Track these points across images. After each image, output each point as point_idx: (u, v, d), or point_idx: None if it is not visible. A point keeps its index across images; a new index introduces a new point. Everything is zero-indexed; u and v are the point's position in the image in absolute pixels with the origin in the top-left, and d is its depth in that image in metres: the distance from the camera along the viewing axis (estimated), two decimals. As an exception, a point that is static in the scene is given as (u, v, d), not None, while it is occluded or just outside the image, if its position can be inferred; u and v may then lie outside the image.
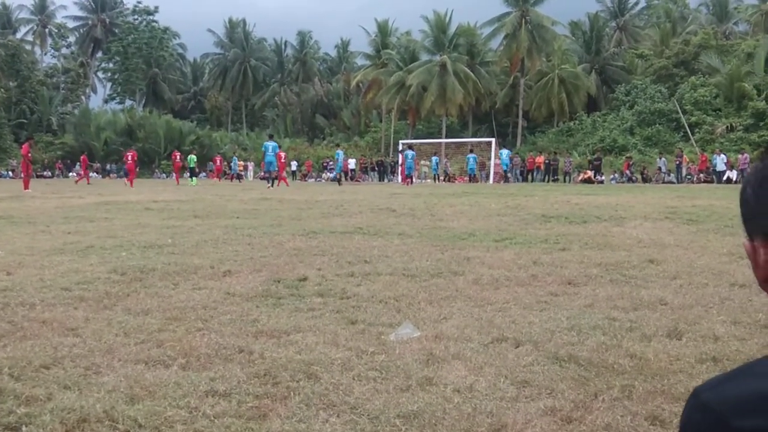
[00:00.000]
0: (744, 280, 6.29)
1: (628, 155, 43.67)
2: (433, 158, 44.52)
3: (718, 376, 0.95)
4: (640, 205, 15.01)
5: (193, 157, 39.28)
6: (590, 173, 39.73)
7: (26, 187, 25.42)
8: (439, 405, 3.20)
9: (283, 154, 34.46)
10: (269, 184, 29.66)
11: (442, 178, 43.99)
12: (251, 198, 19.56)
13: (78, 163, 50.53)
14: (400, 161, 42.94)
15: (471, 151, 43.01)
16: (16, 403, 3.15)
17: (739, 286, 6.05)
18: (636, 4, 66.29)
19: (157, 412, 3.04)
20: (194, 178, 37.03)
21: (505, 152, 40.25)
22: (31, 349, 3.99)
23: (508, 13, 56.29)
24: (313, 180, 49.36)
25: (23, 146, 28.71)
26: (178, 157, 41.73)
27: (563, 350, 4.05)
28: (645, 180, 39.40)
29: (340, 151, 38.10)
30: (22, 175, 27.98)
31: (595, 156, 42.22)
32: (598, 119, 53.66)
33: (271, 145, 30.72)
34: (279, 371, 3.65)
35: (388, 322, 4.79)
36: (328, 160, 53.42)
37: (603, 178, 40.33)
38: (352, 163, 51.51)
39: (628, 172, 40.69)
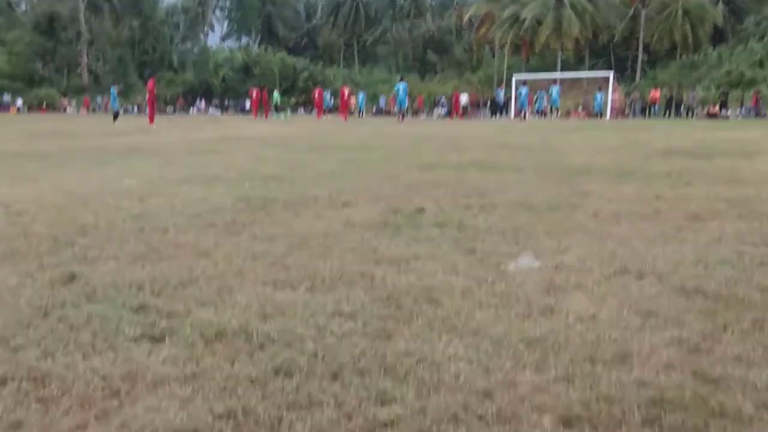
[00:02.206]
0: None
1: (757, 89, 41.26)
2: (554, 88, 42.61)
3: None
4: (771, 140, 14.25)
5: (276, 95, 40.05)
6: (716, 108, 37.87)
7: (151, 121, 26.52)
8: (561, 332, 3.20)
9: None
10: (399, 120, 32.88)
11: (556, 113, 42.65)
12: (366, 132, 19.74)
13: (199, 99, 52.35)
14: (513, 97, 42.23)
15: (599, 89, 41.75)
16: (158, 317, 3.36)
17: None
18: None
19: (288, 328, 3.18)
20: (283, 113, 37.66)
21: (401, 86, 33.96)
22: (168, 269, 4.23)
23: (629, -60, 53.63)
24: (424, 116, 49.16)
25: (149, 82, 29.84)
26: (254, 93, 42.73)
27: (689, 283, 3.95)
28: (775, 115, 37.26)
29: (400, 84, 34.61)
30: (148, 110, 29.13)
31: (722, 90, 40.13)
32: (725, 52, 50.81)
33: (402, 85, 33.87)
34: (401, 296, 3.73)
35: (506, 252, 4.79)
36: (440, 96, 53.05)
37: (729, 113, 38.38)
38: (464, 98, 50.94)
39: (756, 106, 38.51)
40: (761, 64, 46.93)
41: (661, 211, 6.36)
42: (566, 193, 7.47)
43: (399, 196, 7.29)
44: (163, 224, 5.64)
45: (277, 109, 39.02)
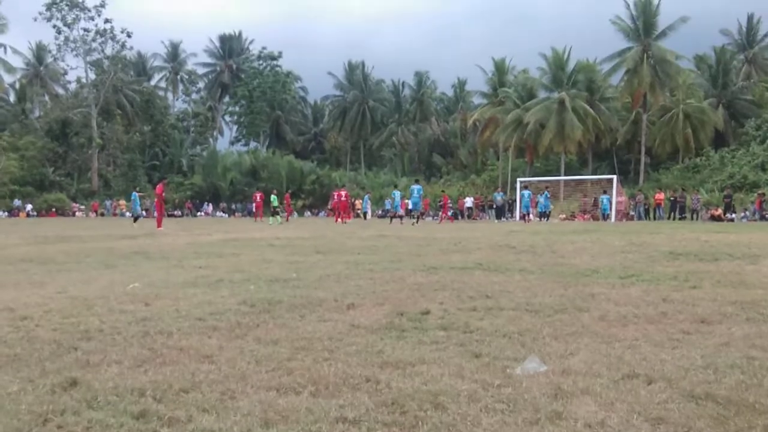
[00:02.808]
0: None
1: (760, 192, 41.60)
2: (540, 196, 43.12)
3: None
4: (776, 242, 14.26)
5: (275, 197, 40.70)
6: (720, 210, 38.09)
7: (159, 225, 26.76)
8: (570, 439, 3.14)
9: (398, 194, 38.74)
10: (414, 221, 34.77)
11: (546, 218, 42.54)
12: (370, 235, 19.84)
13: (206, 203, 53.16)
14: (517, 199, 42.66)
15: (605, 192, 42.25)
16: (159, 424, 3.31)
17: None
18: (766, 36, 63.70)
19: (291, 435, 3.13)
20: (277, 217, 38.06)
21: (416, 188, 35.84)
22: (170, 374, 4.19)
23: (629, 48, 55.20)
24: (430, 218, 49.52)
25: (158, 186, 30.31)
26: (257, 197, 44.70)
27: (699, 388, 3.89)
28: (780, 218, 37.40)
29: (414, 186, 36.55)
30: (156, 214, 29.41)
31: (725, 193, 40.48)
32: (727, 155, 51.51)
33: (416, 188, 35.77)
34: (406, 401, 3.68)
35: (512, 356, 4.74)
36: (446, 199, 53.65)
37: (734, 215, 38.57)
38: (468, 201, 51.49)
39: (760, 209, 38.72)
40: (763, 167, 47.46)
41: (667, 314, 6.32)
42: (572, 296, 7.44)
43: (404, 299, 7.28)
44: (167, 328, 5.62)
45: (274, 213, 39.51)
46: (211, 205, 66.83)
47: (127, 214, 55.25)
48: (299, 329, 5.64)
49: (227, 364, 4.47)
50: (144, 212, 57.44)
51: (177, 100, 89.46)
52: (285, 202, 44.81)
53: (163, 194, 30.39)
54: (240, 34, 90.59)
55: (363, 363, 4.54)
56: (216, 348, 4.94)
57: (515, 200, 45.56)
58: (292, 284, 8.48)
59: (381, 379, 4.11)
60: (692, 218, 39.98)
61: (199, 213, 65.34)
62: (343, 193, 41.73)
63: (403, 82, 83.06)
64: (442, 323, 5.90)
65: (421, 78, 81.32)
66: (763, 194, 40.40)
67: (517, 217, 42.95)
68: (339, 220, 38.49)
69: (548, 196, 43.50)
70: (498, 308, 6.63)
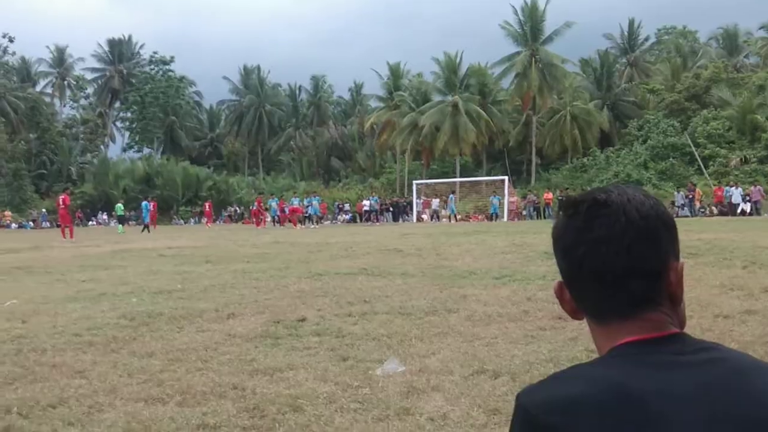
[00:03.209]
0: (729, 311, 6.50)
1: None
2: (451, 196, 45.10)
3: (536, 382, 1.21)
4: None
5: (120, 206, 40.30)
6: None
7: (72, 236, 25.87)
8: (411, 432, 3.46)
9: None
10: (314, 226, 37.63)
11: (458, 217, 44.16)
12: (265, 242, 19.91)
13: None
14: (414, 202, 43.82)
15: (494, 193, 44.10)
16: (23, 439, 3.44)
17: (723, 317, 6.26)
18: (646, 39, 67.14)
19: (151, 443, 3.32)
20: (121, 226, 37.64)
21: (315, 200, 42.98)
22: (40, 391, 4.29)
23: (518, 53, 56.89)
24: (328, 222, 49.67)
25: (63, 197, 29.25)
26: (207, 206, 47.43)
27: (539, 380, 4.27)
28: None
29: (314, 198, 42.47)
30: (64, 225, 27.97)
31: (610, 191, 42.43)
32: (612, 154, 53.82)
33: (316, 199, 41.03)
34: (267, 405, 3.91)
35: (377, 358, 5.04)
36: (343, 203, 53.99)
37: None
38: (367, 204, 51.92)
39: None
40: (646, 165, 49.89)
41: (529, 312, 6.78)
42: (445, 298, 7.83)
43: (284, 306, 7.49)
44: (42, 345, 5.66)
45: (120, 220, 39.03)
46: (106, 214, 64.94)
47: (13, 225, 53.10)
48: (176, 341, 5.79)
49: (99, 378, 4.59)
50: (32, 223, 55.38)
51: (65, 106, 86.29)
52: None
53: (69, 205, 29.59)
54: (130, 38, 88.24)
55: (234, 371, 4.75)
56: (89, 363, 5.04)
57: (411, 202, 46.73)
58: (176, 295, 8.56)
59: (247, 386, 4.33)
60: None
61: (90, 222, 63.37)
62: (259, 200, 42.83)
63: (300, 86, 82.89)
64: (316, 329, 6.16)
65: (317, 82, 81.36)
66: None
67: (414, 219, 44.01)
68: (258, 225, 38.99)
69: (453, 198, 45.47)
70: (372, 313, 6.93)
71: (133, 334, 6.10)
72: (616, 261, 1.10)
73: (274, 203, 42.40)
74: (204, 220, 48.93)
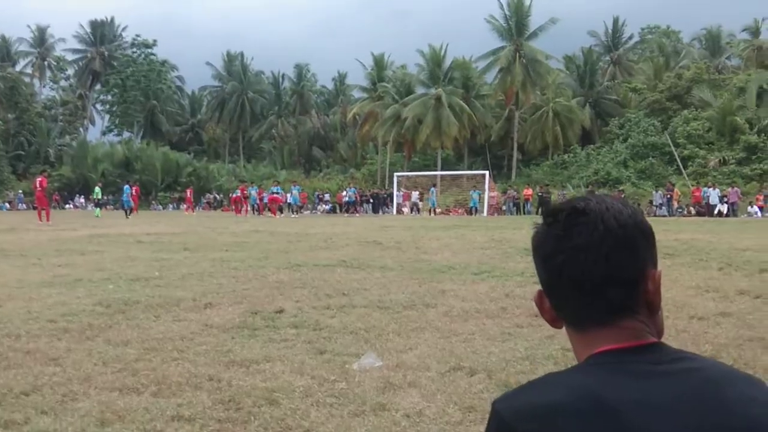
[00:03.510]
0: (704, 312, 6.57)
1: (621, 188, 44.05)
2: (432, 190, 45.34)
3: (512, 389, 1.21)
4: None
5: (98, 189, 40.13)
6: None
7: (48, 219, 25.58)
8: (387, 429, 3.46)
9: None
10: (294, 215, 38.53)
11: (437, 210, 44.33)
12: (244, 230, 19.84)
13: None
14: (394, 194, 43.94)
15: (474, 188, 44.34)
16: (-6, 427, 3.40)
17: (698, 319, 6.31)
18: (630, 38, 67.52)
19: (124, 434, 3.29)
20: (98, 210, 37.56)
21: (296, 189, 43.50)
22: (13, 378, 4.24)
23: (502, 48, 56.96)
24: (308, 212, 49.55)
25: (41, 180, 28.92)
26: (188, 192, 47.45)
27: (513, 378, 4.30)
28: (637, 213, 39.69)
29: (295, 188, 43.34)
30: (41, 208, 27.67)
31: (589, 189, 42.68)
32: (592, 152, 54.13)
33: (296, 189, 42.25)
34: (243, 398, 3.90)
35: (354, 352, 5.04)
36: (323, 193, 53.85)
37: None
38: (346, 195, 51.80)
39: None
40: (626, 164, 50.24)
41: (507, 308, 6.81)
42: (423, 292, 7.84)
43: (263, 297, 7.47)
44: (16, 330, 5.61)
45: (97, 204, 38.89)
46: (83, 197, 64.31)
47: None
48: (152, 330, 5.76)
49: (73, 366, 4.56)
50: (8, 204, 54.80)
51: (44, 87, 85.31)
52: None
53: (46, 187, 29.31)
54: (112, 20, 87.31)
55: (210, 362, 4.73)
56: (64, 350, 5.00)
57: (392, 194, 46.90)
58: (153, 283, 8.51)
59: (223, 378, 4.31)
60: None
61: (67, 205, 62.77)
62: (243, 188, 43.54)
63: (283, 74, 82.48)
64: (294, 321, 6.14)
65: (301, 70, 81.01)
66: (623, 191, 42.78)
67: (394, 211, 44.18)
68: (238, 213, 39.72)
69: (434, 192, 45.71)
70: (351, 306, 6.93)
71: (108, 321, 6.06)
72: (594, 269, 1.11)
73: (253, 191, 42.33)
74: (184, 206, 48.72)
